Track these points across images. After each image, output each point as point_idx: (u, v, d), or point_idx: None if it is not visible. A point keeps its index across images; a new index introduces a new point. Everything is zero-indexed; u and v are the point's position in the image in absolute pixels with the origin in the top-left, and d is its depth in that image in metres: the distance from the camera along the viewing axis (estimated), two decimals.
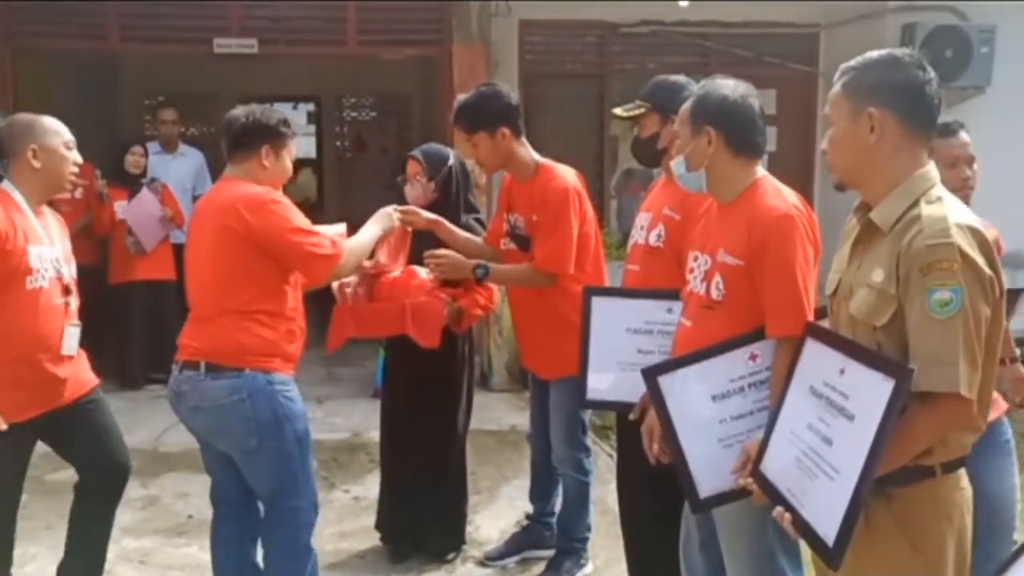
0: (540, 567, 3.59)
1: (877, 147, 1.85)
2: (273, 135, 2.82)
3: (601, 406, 3.21)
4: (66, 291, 2.88)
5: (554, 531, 3.66)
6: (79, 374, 2.96)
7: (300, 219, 2.77)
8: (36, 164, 2.81)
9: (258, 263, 2.73)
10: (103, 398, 3.10)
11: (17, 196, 2.80)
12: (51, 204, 3.05)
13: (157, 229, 5.96)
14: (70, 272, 2.93)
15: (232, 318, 2.74)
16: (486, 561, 3.67)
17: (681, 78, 2.96)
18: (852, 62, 1.90)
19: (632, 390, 2.63)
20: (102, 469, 3.05)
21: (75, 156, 2.91)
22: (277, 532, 2.86)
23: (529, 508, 3.79)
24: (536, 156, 3.36)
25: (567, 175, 3.30)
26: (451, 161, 3.54)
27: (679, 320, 2.51)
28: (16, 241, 2.72)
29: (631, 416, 2.63)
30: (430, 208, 3.43)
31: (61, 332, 2.83)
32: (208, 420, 2.79)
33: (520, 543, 3.71)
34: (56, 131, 2.86)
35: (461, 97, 3.34)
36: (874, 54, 1.89)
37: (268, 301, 2.76)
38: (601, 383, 2.79)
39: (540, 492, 3.71)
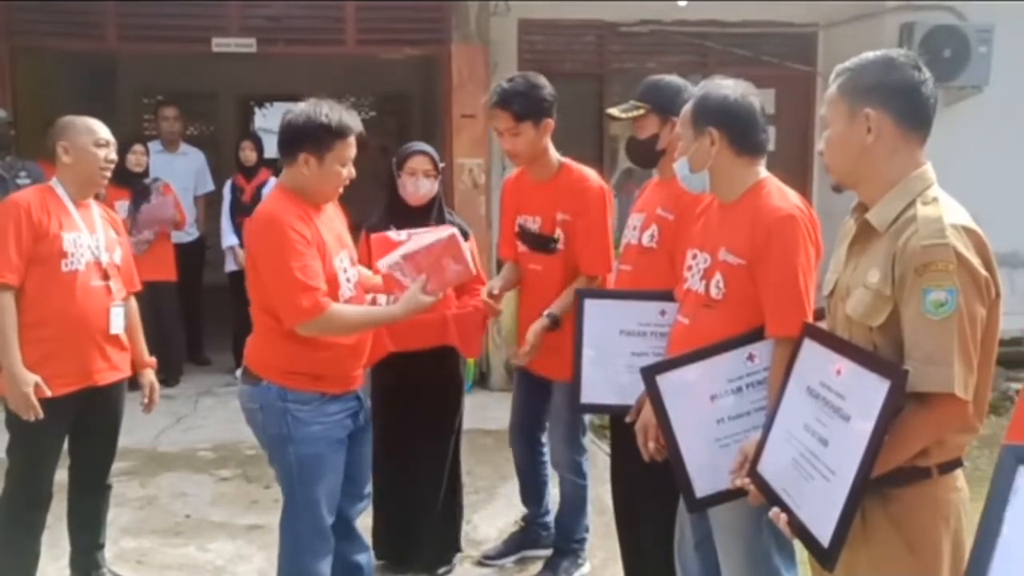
0: (538, 566, 3.59)
1: (874, 148, 1.85)
2: (310, 141, 2.59)
3: (596, 410, 3.18)
4: (105, 275, 3.15)
5: (551, 530, 3.65)
6: (119, 359, 3.21)
7: (298, 256, 2.52)
8: (67, 160, 3.12)
9: (260, 283, 2.62)
10: (125, 392, 3.32)
11: (60, 190, 3.14)
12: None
13: (159, 226, 5.92)
14: (110, 258, 3.19)
15: (263, 326, 2.69)
16: (484, 561, 3.66)
17: (676, 78, 2.94)
18: (847, 63, 1.91)
19: (627, 392, 2.63)
20: (98, 460, 3.31)
21: (107, 153, 3.15)
22: (282, 542, 2.81)
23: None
24: (557, 154, 3.31)
25: (595, 176, 3.27)
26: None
27: (676, 318, 2.51)
28: (49, 227, 3.03)
29: (627, 419, 2.62)
30: (429, 204, 3.36)
31: (105, 312, 3.12)
32: (245, 418, 2.80)
33: (518, 543, 3.70)
34: (88, 130, 3.14)
35: (506, 84, 3.18)
36: (870, 55, 1.89)
37: None
38: (595, 386, 2.78)
39: (531, 495, 3.68)
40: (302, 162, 2.61)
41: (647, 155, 2.94)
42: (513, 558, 3.67)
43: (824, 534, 1.72)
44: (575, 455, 3.44)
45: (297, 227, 2.56)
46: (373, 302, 2.99)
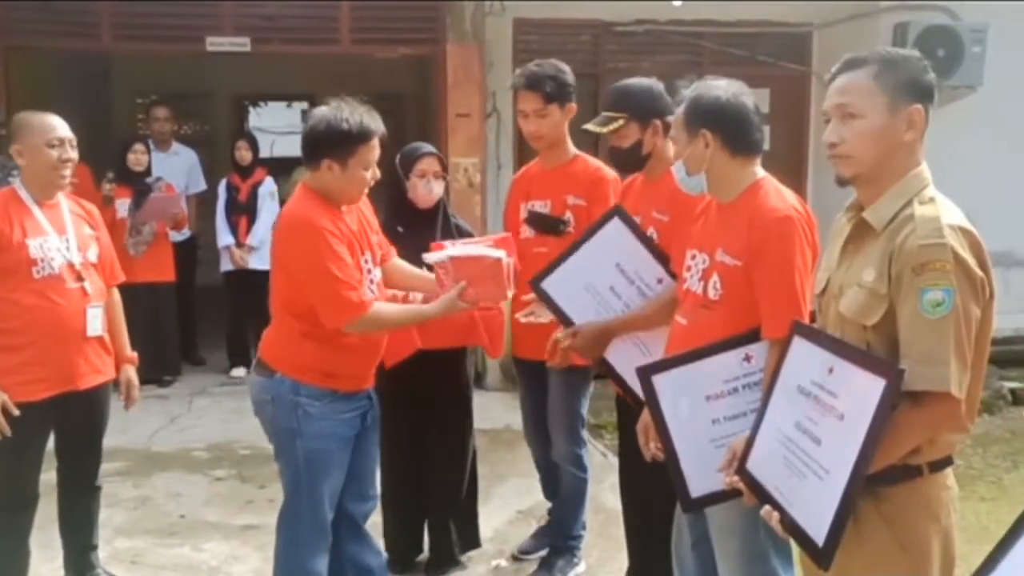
0: (530, 563, 3.61)
1: (908, 145, 1.84)
2: (332, 148, 2.60)
3: (545, 300, 3.02)
4: (79, 276, 3.07)
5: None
6: (100, 362, 3.16)
7: (336, 257, 2.57)
8: (21, 162, 3.06)
9: (288, 284, 2.67)
10: (110, 394, 3.28)
11: (23, 193, 3.07)
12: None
13: (161, 219, 5.91)
14: (84, 258, 3.11)
15: (282, 321, 2.73)
16: (518, 555, 3.68)
17: (644, 79, 2.98)
18: (872, 54, 1.86)
19: (580, 310, 2.82)
20: (85, 462, 3.28)
21: (62, 152, 3.05)
22: (279, 538, 2.82)
23: (523, 505, 3.81)
24: (573, 145, 3.40)
25: (606, 167, 3.32)
26: None
27: (675, 318, 2.51)
28: (12, 236, 2.94)
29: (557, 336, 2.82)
30: (437, 206, 3.37)
31: (82, 314, 3.06)
32: (254, 410, 2.80)
33: (548, 537, 3.69)
34: (41, 130, 3.04)
35: (533, 67, 3.30)
36: (898, 51, 1.88)
37: (307, 320, 2.64)
38: (558, 287, 2.87)
39: (556, 488, 3.68)
40: (325, 168, 2.62)
41: (633, 162, 2.94)
42: (543, 552, 3.65)
43: (819, 533, 1.72)
44: (575, 447, 3.45)
45: (330, 228, 2.60)
46: (405, 299, 3.03)
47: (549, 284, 2.88)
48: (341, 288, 2.57)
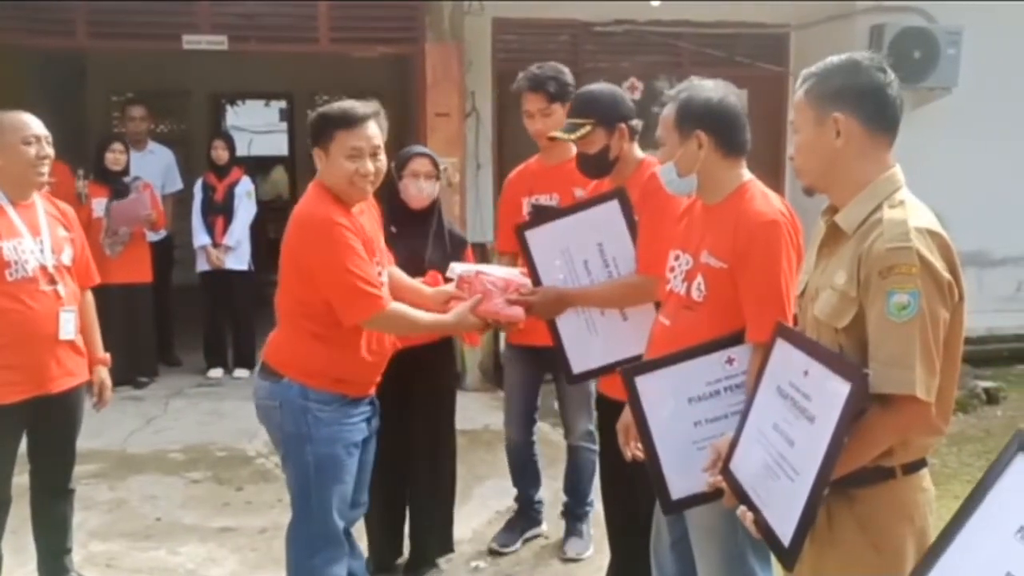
0: (508, 563, 3.64)
1: (843, 152, 1.85)
2: (316, 135, 2.61)
3: (523, 249, 3.06)
4: (52, 280, 3.02)
5: (543, 507, 3.82)
6: (73, 365, 3.11)
7: (352, 252, 2.55)
8: None
9: (302, 284, 2.62)
10: (84, 397, 3.24)
11: None
12: None
13: (133, 224, 5.86)
14: (57, 260, 3.06)
15: (290, 324, 2.69)
16: (498, 550, 3.72)
17: (606, 85, 3.02)
18: (813, 68, 1.91)
19: (549, 272, 2.88)
20: (57, 465, 3.24)
21: (39, 149, 3.01)
22: (290, 550, 2.79)
23: (502, 506, 3.87)
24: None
25: None
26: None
27: (658, 318, 2.51)
28: None
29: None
30: (429, 208, 3.37)
31: (54, 318, 3.01)
32: (257, 415, 2.77)
33: (520, 527, 3.81)
34: (13, 127, 2.99)
35: (535, 70, 3.45)
36: (835, 59, 1.90)
37: (320, 321, 2.62)
38: (539, 241, 2.92)
39: (530, 476, 3.79)
40: (317, 158, 2.64)
41: (602, 167, 2.96)
42: (518, 544, 3.76)
43: (786, 534, 1.73)
44: (588, 423, 3.56)
45: (344, 223, 2.58)
46: None
47: (532, 236, 2.93)
48: (358, 282, 2.55)
